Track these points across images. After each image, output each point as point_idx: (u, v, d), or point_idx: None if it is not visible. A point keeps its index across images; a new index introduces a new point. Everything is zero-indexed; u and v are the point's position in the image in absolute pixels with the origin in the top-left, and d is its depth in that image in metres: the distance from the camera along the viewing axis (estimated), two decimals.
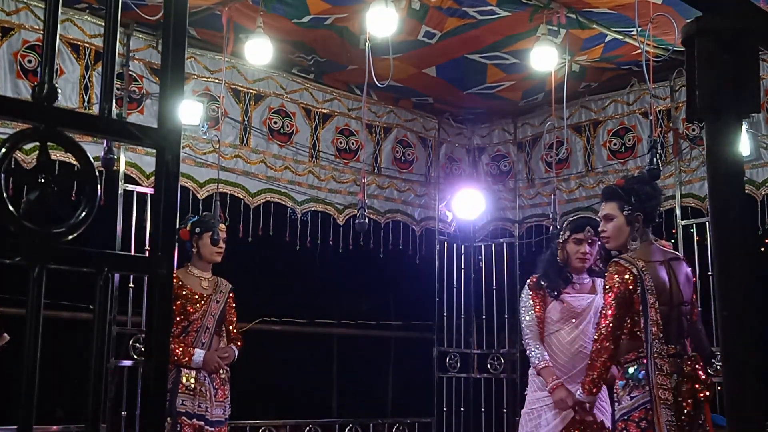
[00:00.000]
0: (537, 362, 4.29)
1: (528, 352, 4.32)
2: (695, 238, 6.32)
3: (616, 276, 3.78)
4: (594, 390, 3.94)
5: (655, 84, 5.94)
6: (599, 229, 4.03)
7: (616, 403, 3.82)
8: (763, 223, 5.97)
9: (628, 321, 3.81)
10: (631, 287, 3.75)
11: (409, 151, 7.44)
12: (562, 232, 4.48)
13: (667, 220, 6.52)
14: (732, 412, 1.26)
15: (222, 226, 5.21)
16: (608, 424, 4.30)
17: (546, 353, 4.34)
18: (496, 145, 7.78)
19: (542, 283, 4.41)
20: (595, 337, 3.84)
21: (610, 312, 3.76)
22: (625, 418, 3.71)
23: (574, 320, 4.34)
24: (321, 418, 7.15)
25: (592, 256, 4.43)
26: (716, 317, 1.77)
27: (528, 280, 4.53)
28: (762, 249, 6.59)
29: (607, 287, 3.80)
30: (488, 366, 7.40)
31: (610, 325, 3.75)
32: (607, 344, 3.77)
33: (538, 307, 4.39)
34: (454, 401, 7.26)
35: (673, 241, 6.47)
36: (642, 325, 3.74)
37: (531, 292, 4.43)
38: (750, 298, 1.25)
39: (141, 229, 5.65)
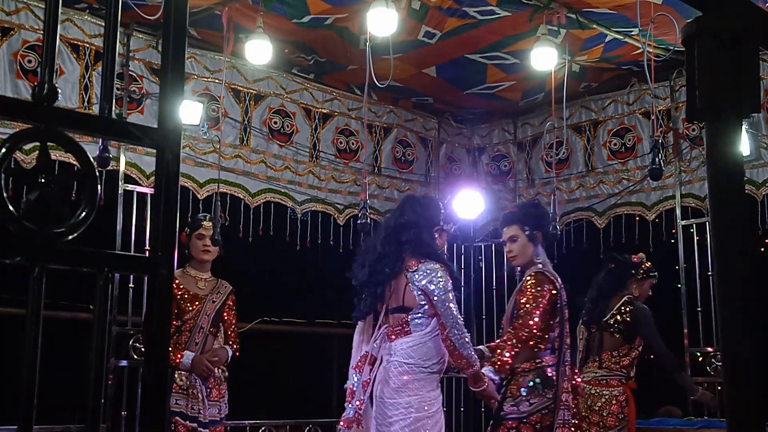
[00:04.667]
0: (476, 361, 3.91)
1: (468, 351, 3.88)
2: (695, 238, 6.32)
3: (545, 286, 4.11)
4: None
5: (656, 84, 5.94)
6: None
7: (513, 406, 4.02)
8: (763, 223, 5.97)
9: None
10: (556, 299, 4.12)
11: (409, 151, 7.44)
12: None
13: (667, 220, 6.53)
14: (732, 412, 1.26)
15: (206, 223, 5.01)
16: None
17: None
18: (496, 145, 7.78)
19: None
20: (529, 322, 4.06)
21: (539, 313, 4.05)
22: (524, 421, 3.99)
23: None
24: (321, 418, 7.14)
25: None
26: (716, 317, 1.77)
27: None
28: (762, 249, 6.58)
29: (537, 296, 4.08)
30: None
31: (540, 322, 4.08)
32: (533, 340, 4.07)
33: None
34: (454, 401, 7.26)
35: (673, 241, 6.48)
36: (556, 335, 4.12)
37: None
38: (750, 298, 1.25)
39: (141, 229, 5.65)
